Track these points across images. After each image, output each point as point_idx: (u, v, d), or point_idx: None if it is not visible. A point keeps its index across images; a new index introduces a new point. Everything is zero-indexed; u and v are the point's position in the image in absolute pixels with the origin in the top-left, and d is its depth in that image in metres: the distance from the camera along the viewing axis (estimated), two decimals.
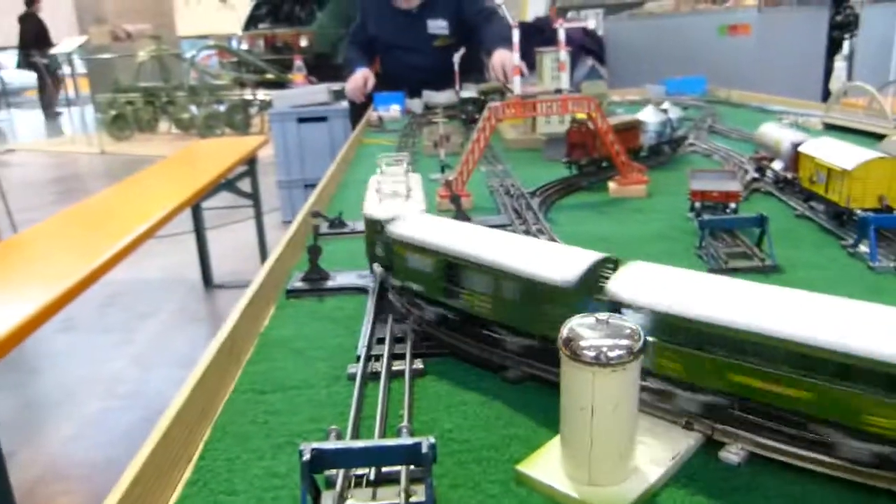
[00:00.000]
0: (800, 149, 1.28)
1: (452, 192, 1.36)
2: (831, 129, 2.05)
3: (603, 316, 0.53)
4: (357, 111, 3.47)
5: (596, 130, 1.45)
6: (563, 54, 1.68)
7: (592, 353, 0.50)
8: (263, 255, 3.62)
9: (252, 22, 9.70)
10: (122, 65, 10.43)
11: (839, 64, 4.96)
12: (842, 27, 4.80)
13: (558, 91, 1.46)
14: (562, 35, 1.51)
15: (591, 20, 5.15)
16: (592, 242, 1.16)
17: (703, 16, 4.21)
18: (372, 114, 3.04)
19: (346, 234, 1.31)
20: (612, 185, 1.49)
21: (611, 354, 0.51)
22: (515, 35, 1.49)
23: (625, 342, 0.51)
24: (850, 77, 4.62)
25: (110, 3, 12.05)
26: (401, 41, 3.57)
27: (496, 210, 1.42)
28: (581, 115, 1.46)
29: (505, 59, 2.90)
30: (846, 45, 4.87)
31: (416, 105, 2.95)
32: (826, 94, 4.15)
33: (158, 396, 2.45)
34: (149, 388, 2.57)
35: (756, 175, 1.49)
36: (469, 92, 2.55)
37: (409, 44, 3.54)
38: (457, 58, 2.45)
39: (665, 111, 1.75)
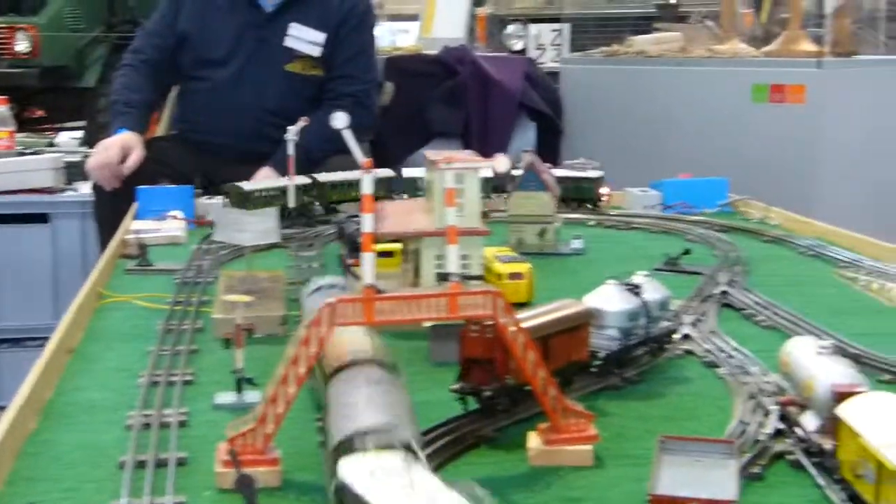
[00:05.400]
0: (839, 411, 1.23)
1: (237, 463, 1.26)
2: None
3: None
4: (110, 206, 3.30)
5: (506, 345, 1.40)
6: (450, 178, 1.56)
7: None
8: None
9: None
10: None
11: None
12: None
13: (443, 277, 1.37)
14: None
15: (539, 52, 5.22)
16: None
17: (729, 65, 4.05)
18: (129, 228, 2.66)
19: None
20: (533, 443, 1.42)
21: None
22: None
23: None
24: None
25: None
26: (230, 53, 3.56)
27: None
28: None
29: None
30: None
31: (217, 211, 2.60)
32: None
33: None
34: None
35: (780, 426, 1.46)
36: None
37: (246, 60, 3.53)
38: (294, 131, 2.56)
39: (638, 291, 1.72)
